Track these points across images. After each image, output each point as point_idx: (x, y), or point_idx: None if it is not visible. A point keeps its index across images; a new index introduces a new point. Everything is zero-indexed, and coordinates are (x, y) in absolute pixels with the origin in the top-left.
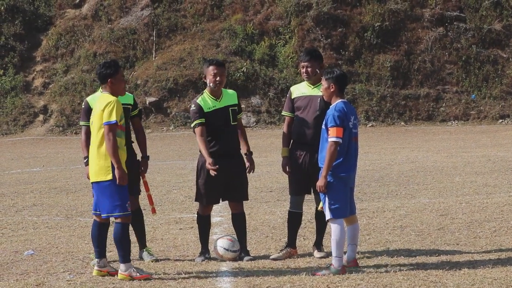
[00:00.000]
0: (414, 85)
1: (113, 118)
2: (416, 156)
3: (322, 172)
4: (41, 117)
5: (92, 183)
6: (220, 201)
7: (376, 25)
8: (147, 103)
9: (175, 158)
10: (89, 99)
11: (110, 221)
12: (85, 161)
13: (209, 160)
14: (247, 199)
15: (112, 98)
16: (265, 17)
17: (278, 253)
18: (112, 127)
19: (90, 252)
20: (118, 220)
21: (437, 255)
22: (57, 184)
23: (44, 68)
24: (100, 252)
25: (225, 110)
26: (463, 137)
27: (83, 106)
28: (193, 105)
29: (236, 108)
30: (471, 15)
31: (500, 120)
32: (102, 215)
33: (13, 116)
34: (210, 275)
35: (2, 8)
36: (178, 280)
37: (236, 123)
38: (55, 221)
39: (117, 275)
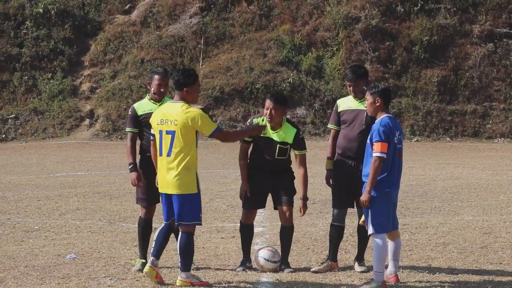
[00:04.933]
0: (461, 101)
1: (216, 125)
2: (461, 172)
3: (366, 187)
4: (87, 121)
5: (168, 194)
6: (260, 209)
7: (424, 40)
8: None
9: (219, 167)
10: (136, 105)
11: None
12: (130, 167)
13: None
14: (292, 204)
15: (197, 111)
16: (313, 29)
17: (319, 265)
18: (221, 132)
19: (132, 258)
20: (186, 229)
21: (479, 273)
22: (101, 189)
23: (91, 73)
24: (159, 252)
25: (271, 142)
26: (509, 155)
27: (129, 113)
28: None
29: (287, 147)
30: None
31: None
32: (182, 223)
33: (59, 119)
34: (251, 285)
35: (53, 12)
36: None
37: (283, 157)
38: (97, 226)
39: (176, 282)
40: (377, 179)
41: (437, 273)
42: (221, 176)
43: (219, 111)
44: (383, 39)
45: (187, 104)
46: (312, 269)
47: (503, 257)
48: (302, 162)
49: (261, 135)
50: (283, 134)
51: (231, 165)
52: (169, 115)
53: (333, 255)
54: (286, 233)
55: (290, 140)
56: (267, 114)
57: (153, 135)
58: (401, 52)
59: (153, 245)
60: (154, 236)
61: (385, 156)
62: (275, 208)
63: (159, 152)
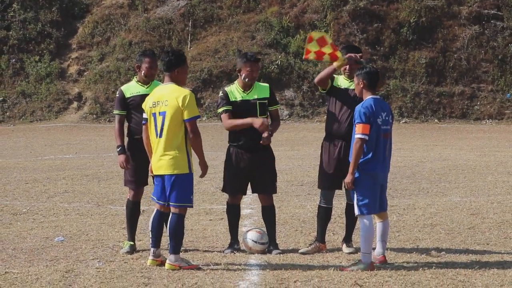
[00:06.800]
0: (449, 83)
1: (198, 113)
2: (449, 154)
3: (349, 169)
4: (75, 104)
5: (160, 175)
6: (248, 192)
7: (412, 21)
8: None
9: (207, 149)
10: (123, 88)
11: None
12: (118, 149)
13: (256, 120)
14: (275, 192)
15: (188, 91)
16: (301, 11)
17: (307, 247)
18: (196, 122)
19: (120, 240)
20: (177, 211)
21: (466, 254)
22: (89, 172)
23: (79, 56)
24: (157, 241)
25: (252, 102)
26: (497, 136)
27: (117, 95)
28: (221, 92)
29: (265, 101)
30: (508, 13)
31: None
32: (171, 203)
33: (47, 102)
34: (239, 267)
35: None
36: (206, 271)
37: (265, 116)
38: (86, 208)
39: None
40: (361, 161)
41: (425, 254)
42: (210, 158)
43: (207, 94)
44: (371, 20)
45: (174, 84)
46: (300, 251)
47: (490, 238)
48: (278, 115)
49: (238, 100)
50: (258, 91)
51: (220, 148)
52: (161, 96)
53: (321, 236)
54: (268, 214)
55: (267, 94)
56: (253, 76)
57: (145, 119)
58: (389, 33)
59: (150, 236)
60: (149, 226)
61: (366, 137)
62: (253, 192)
63: (155, 134)
